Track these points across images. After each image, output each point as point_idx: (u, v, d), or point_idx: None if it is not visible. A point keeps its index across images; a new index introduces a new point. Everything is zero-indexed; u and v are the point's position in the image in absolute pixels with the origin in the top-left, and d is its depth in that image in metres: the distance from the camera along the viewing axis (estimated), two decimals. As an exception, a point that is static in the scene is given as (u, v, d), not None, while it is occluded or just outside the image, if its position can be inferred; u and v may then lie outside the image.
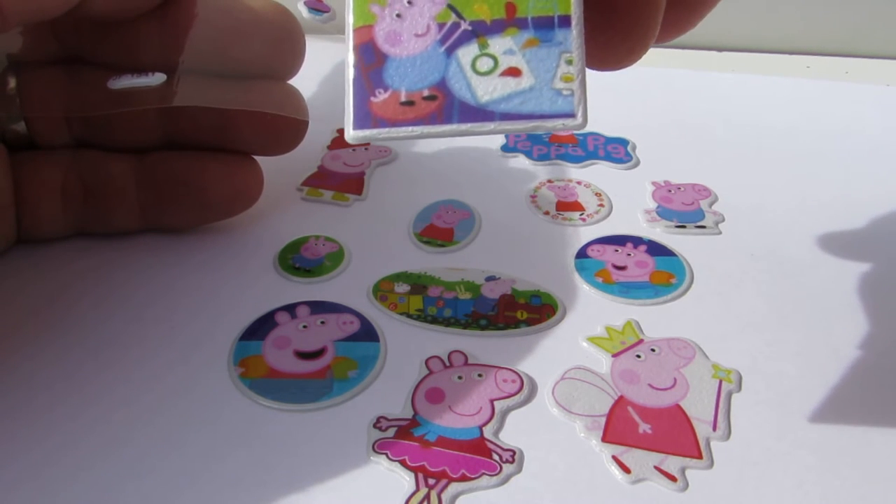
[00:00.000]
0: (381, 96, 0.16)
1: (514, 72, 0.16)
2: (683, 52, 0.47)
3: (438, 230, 0.30)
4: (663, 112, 0.39)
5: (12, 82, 0.26)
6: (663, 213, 0.32)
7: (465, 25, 0.16)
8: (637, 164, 0.35)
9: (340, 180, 0.33)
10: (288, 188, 0.32)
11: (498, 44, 0.16)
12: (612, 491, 0.21)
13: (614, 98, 0.40)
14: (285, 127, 0.28)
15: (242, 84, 0.27)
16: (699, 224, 0.31)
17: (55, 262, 0.28)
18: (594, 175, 0.34)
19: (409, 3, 0.16)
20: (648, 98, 0.36)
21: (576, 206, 0.32)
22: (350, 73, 0.16)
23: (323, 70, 0.40)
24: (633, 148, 0.36)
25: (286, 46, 0.27)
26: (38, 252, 0.28)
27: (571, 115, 0.15)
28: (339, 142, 0.36)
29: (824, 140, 0.37)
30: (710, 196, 0.33)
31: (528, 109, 0.15)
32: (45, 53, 0.26)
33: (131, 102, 0.25)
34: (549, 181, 0.33)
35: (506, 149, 0.36)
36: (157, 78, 0.25)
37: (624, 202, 0.32)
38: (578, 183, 0.33)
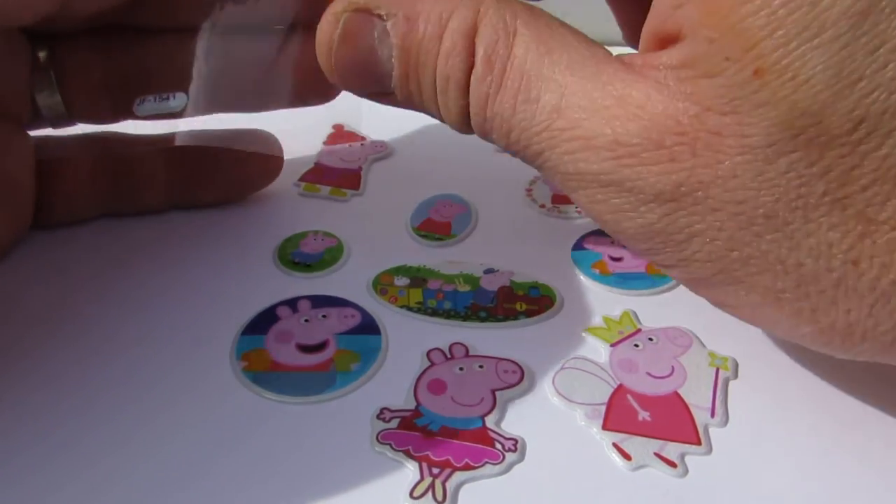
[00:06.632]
0: None
1: None
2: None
3: (436, 224, 0.30)
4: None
5: (42, 55, 0.26)
6: (658, 204, 0.32)
7: None
8: (631, 156, 0.35)
9: (337, 176, 0.33)
10: (285, 184, 0.32)
11: None
12: (613, 477, 0.21)
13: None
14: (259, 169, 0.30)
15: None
16: (693, 215, 0.31)
17: (55, 261, 0.28)
18: (589, 168, 0.34)
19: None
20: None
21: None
22: None
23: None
24: (627, 141, 0.36)
25: None
26: (38, 249, 0.28)
27: None
28: (335, 137, 0.36)
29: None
30: (704, 188, 0.33)
31: None
32: (77, 22, 0.25)
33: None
34: (545, 175, 0.34)
35: (501, 143, 0.36)
36: (179, 100, 0.26)
37: (619, 194, 0.32)
38: (573, 176, 0.34)
